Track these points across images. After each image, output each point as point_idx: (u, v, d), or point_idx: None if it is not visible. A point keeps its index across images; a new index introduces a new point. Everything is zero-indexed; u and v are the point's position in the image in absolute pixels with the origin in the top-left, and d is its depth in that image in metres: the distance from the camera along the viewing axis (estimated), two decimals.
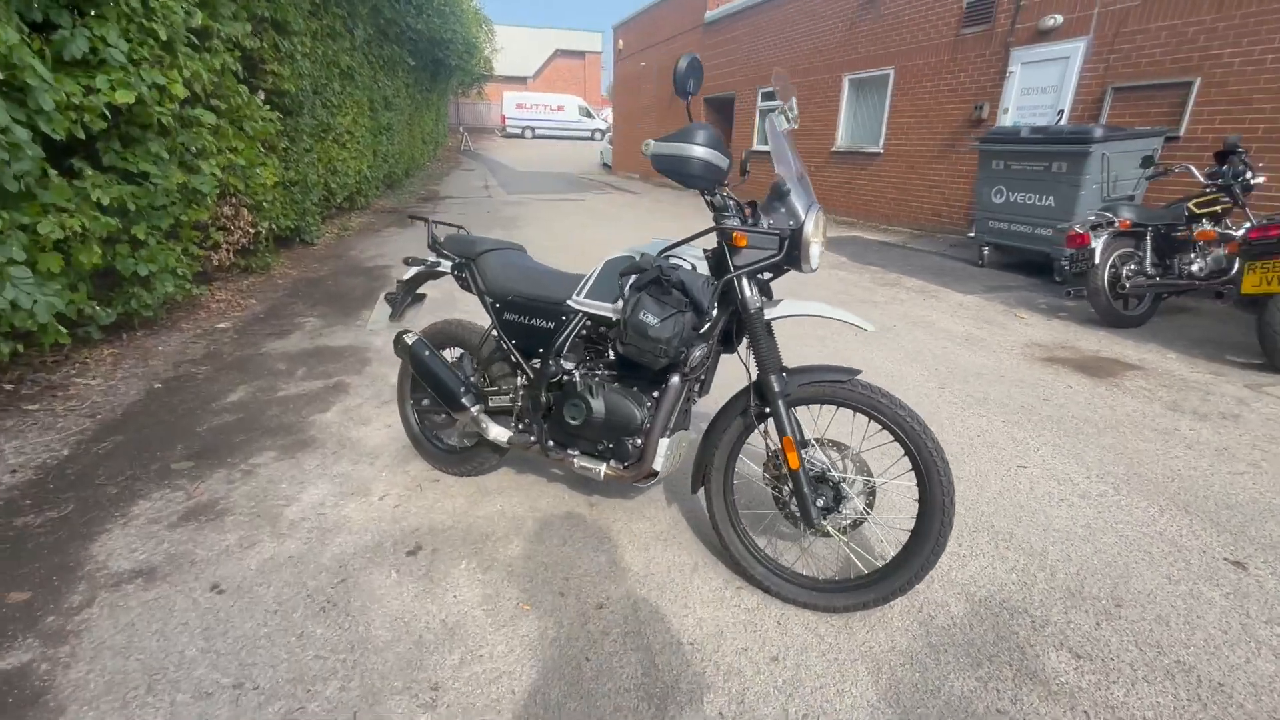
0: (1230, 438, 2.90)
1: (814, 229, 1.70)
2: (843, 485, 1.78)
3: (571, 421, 2.01)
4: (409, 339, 2.31)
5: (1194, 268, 4.50)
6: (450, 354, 2.48)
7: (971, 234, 7.99)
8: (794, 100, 1.82)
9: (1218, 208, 4.50)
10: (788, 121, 1.81)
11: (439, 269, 2.36)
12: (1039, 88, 7.06)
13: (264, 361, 3.77)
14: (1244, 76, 5.30)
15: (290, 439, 2.84)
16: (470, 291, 2.30)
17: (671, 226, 9.58)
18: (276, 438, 2.85)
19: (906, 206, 9.10)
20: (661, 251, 1.84)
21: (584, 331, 2.10)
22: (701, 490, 1.96)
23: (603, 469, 2.01)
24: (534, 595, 1.89)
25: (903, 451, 1.71)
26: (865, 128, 9.94)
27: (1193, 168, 4.79)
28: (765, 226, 1.73)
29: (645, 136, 19.17)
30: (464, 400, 2.22)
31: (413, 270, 2.46)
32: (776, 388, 1.76)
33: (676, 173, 1.64)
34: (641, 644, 1.71)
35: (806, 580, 1.85)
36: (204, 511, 2.27)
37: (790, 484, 1.80)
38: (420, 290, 2.62)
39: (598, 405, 1.98)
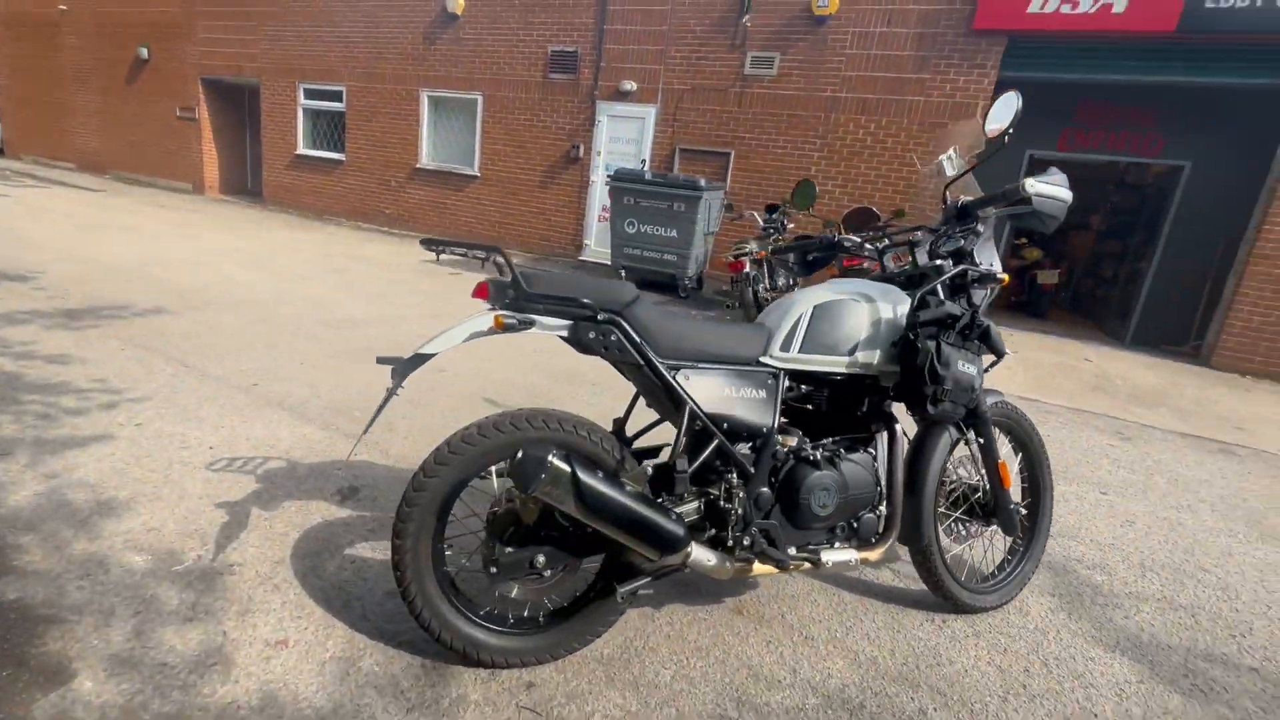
0: None
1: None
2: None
3: (821, 511, 1.60)
4: (558, 461, 1.30)
5: (781, 282, 6.48)
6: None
7: (583, 256, 9.05)
8: (956, 152, 1.92)
9: (781, 242, 6.58)
10: (951, 168, 1.91)
11: (525, 328, 1.41)
12: (624, 138, 8.55)
13: None
14: (758, 154, 7.84)
15: None
16: (613, 359, 1.47)
17: (224, 236, 7.26)
18: None
19: (513, 230, 9.50)
20: (924, 292, 1.66)
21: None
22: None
23: (855, 556, 1.67)
24: None
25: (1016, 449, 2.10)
26: (456, 148, 9.80)
27: (755, 214, 6.82)
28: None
29: (79, 103, 13.54)
30: (681, 531, 1.42)
31: (466, 334, 1.38)
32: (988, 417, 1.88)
33: (1049, 216, 1.55)
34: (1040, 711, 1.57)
35: (989, 582, 2.03)
36: None
37: (993, 502, 1.95)
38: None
39: (842, 480, 1.63)
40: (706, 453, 1.55)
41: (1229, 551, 2.65)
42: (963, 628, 1.93)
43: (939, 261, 1.79)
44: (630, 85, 8.28)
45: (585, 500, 1.32)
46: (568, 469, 1.32)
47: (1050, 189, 1.62)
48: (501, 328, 1.37)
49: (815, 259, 2.19)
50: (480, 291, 1.47)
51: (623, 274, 7.52)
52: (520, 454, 1.31)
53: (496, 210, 9.57)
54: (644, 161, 8.30)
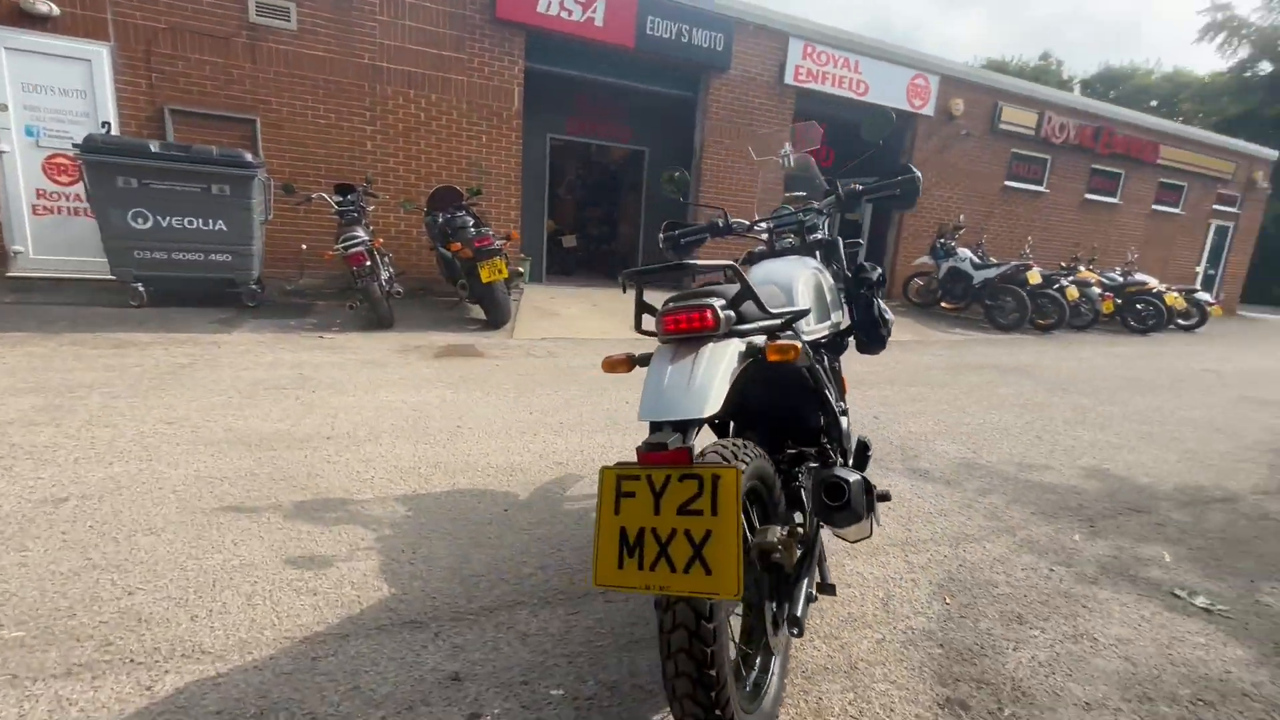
0: (560, 368, 4.94)
1: None
2: None
3: (851, 451, 1.95)
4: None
5: (387, 275, 5.87)
6: None
7: (15, 271, 5.83)
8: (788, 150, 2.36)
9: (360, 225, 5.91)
10: (790, 161, 2.37)
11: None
12: (57, 87, 5.60)
13: None
14: (295, 123, 6.50)
15: None
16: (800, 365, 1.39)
17: None
18: None
19: None
20: (849, 255, 2.10)
21: None
22: None
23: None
24: None
25: None
26: None
27: (325, 196, 5.88)
28: None
29: None
30: None
31: (729, 376, 1.13)
32: None
33: (917, 195, 2.08)
34: None
35: None
36: None
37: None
38: None
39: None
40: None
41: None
42: None
43: (818, 235, 2.28)
44: (47, 7, 5.47)
45: (875, 510, 1.31)
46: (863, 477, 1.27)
47: (919, 174, 2.30)
48: (798, 356, 1.16)
49: (687, 241, 2.37)
50: (695, 320, 1.16)
51: (140, 288, 5.29)
52: (850, 487, 1.18)
53: None
54: (107, 125, 5.74)
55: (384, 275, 5.48)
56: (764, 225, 2.28)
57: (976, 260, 9.25)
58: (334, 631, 1.60)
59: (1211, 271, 15.15)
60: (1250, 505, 2.87)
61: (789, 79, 8.93)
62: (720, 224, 2.28)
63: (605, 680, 1.48)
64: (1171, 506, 2.80)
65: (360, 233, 5.30)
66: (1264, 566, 2.28)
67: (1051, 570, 2.15)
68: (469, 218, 6.18)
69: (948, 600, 1.93)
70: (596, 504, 1.05)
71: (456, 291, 6.05)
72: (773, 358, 1.18)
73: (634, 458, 1.09)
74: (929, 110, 10.18)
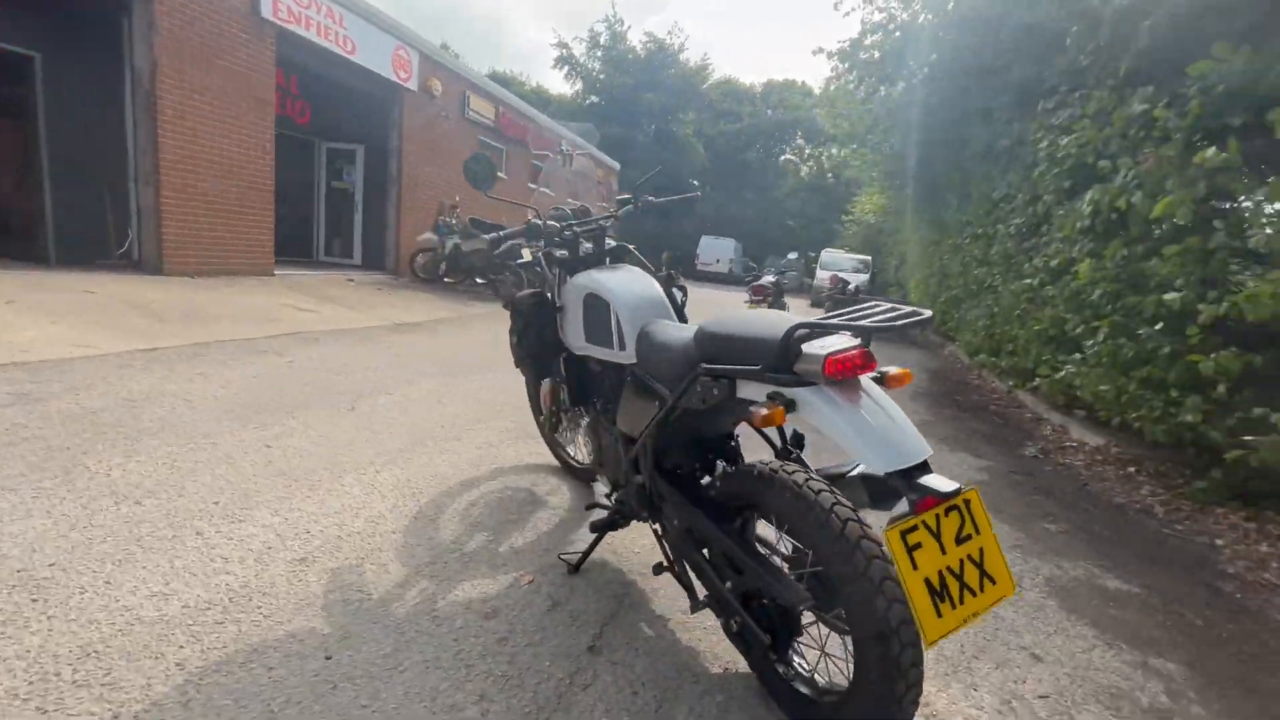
0: None
1: None
2: None
3: None
4: None
5: None
6: None
7: None
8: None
9: None
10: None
11: None
12: None
13: None
14: None
15: None
16: None
17: None
18: None
19: None
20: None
21: None
22: None
23: None
24: None
25: None
26: None
27: None
28: None
29: None
30: None
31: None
32: None
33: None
34: None
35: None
36: None
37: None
38: None
39: None
40: None
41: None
42: None
43: (610, 241, 2.30)
44: None
45: None
46: None
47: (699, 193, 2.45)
48: (912, 379, 1.32)
49: (505, 248, 2.13)
50: (854, 362, 1.20)
51: None
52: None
53: None
54: None
55: None
56: (571, 231, 2.18)
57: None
58: None
59: None
60: None
61: (266, 13, 7.37)
62: (541, 226, 2.05)
63: None
64: None
65: None
66: None
67: None
68: None
69: None
70: (894, 569, 1.03)
71: None
72: (895, 385, 1.33)
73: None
74: (413, 85, 10.23)
